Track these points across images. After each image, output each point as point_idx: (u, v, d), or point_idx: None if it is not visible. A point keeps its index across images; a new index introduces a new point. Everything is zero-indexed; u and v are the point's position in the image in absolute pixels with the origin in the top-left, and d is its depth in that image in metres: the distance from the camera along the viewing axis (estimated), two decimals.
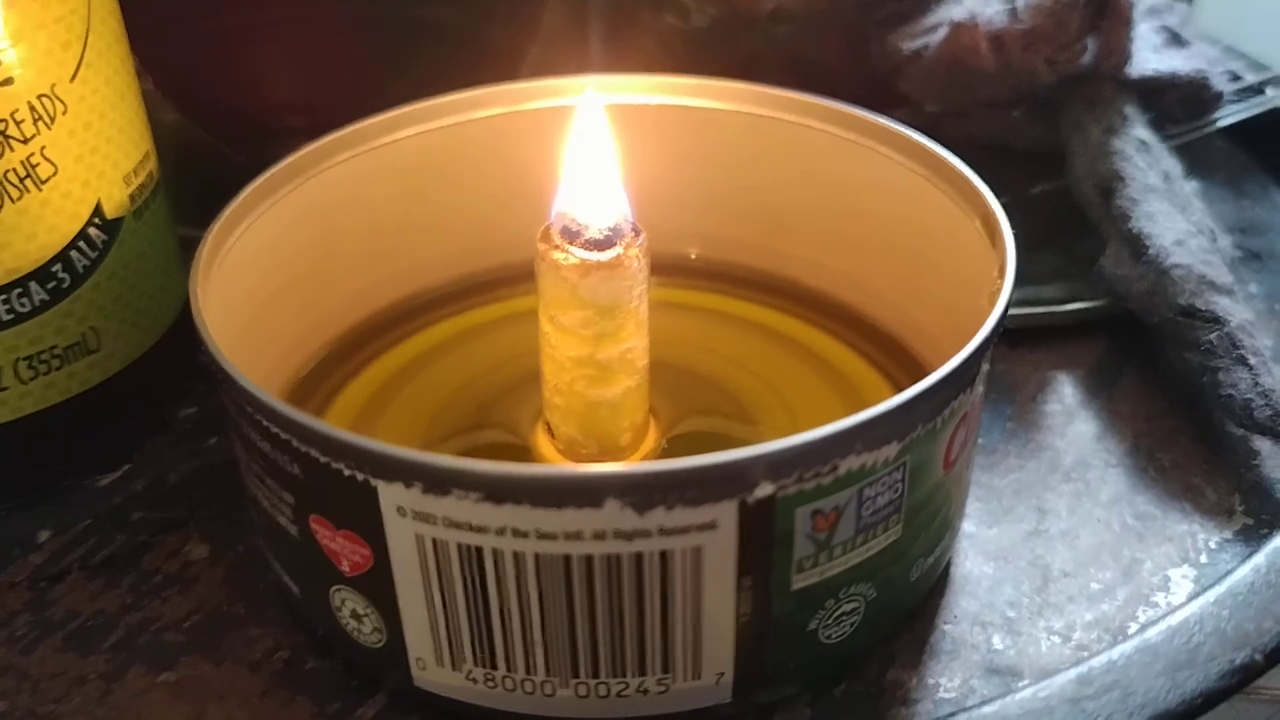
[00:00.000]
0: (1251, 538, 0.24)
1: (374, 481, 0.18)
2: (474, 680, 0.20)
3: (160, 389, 0.27)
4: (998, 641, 0.22)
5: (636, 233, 0.22)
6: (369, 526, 0.19)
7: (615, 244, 0.22)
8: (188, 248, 0.27)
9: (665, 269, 0.28)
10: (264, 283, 0.25)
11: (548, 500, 0.18)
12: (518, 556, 0.18)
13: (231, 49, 0.32)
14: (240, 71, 0.33)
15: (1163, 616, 0.21)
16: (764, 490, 0.18)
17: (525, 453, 0.25)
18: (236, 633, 0.23)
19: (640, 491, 0.18)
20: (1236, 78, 0.35)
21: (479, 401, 0.26)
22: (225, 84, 0.33)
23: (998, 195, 0.24)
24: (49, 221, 0.23)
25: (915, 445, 0.20)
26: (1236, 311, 0.26)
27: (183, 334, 0.27)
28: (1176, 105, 0.33)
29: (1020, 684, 0.21)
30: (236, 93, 0.33)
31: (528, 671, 0.20)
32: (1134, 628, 0.22)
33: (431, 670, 0.20)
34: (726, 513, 0.18)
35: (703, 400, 0.26)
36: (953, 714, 0.20)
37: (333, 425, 0.25)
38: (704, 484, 0.18)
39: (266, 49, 0.32)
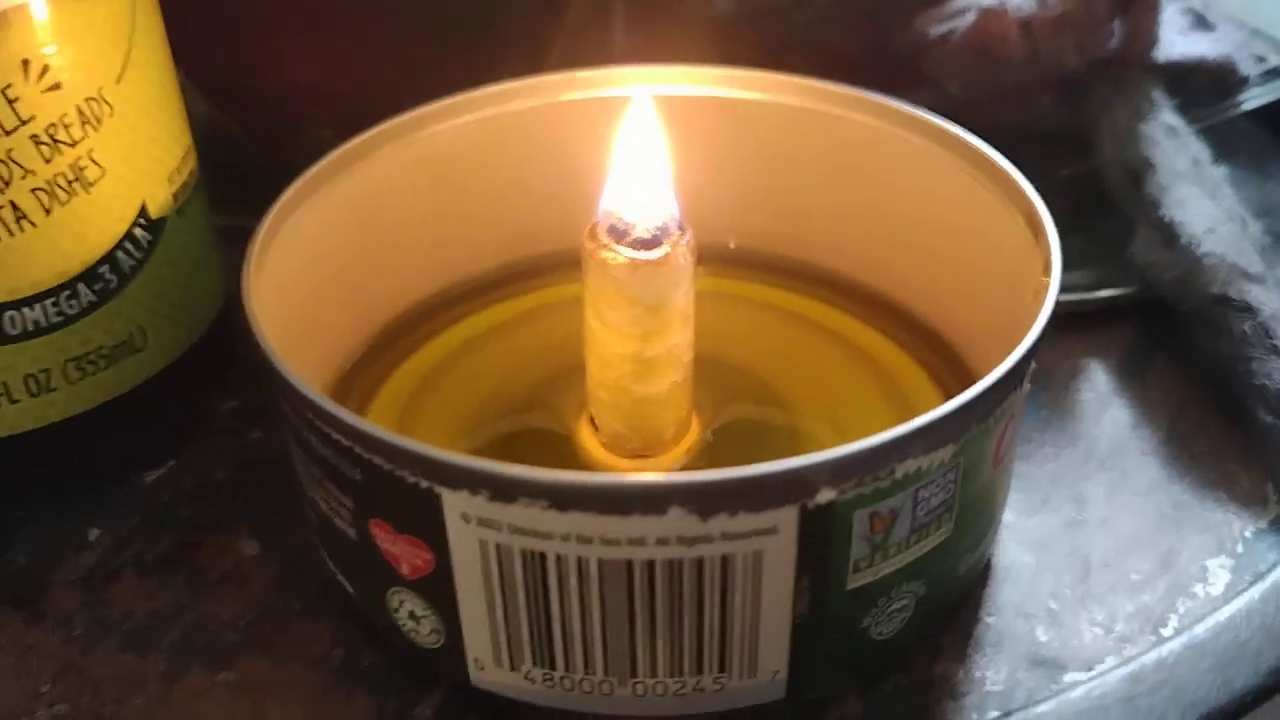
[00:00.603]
0: None
1: (438, 489, 0.19)
2: (532, 680, 0.21)
3: (203, 383, 0.28)
4: (1041, 633, 0.23)
5: (683, 231, 0.23)
6: (431, 532, 0.19)
7: (663, 242, 0.22)
8: (220, 236, 0.27)
9: (704, 258, 0.28)
10: (310, 277, 0.25)
11: (613, 508, 0.18)
12: (581, 562, 0.19)
13: (260, 38, 0.32)
14: (267, 61, 0.33)
15: (1207, 613, 0.22)
16: (825, 496, 0.18)
17: (569, 444, 0.25)
18: (292, 630, 0.23)
19: (705, 499, 0.18)
20: (1261, 59, 0.35)
21: (522, 390, 0.26)
22: (253, 74, 0.33)
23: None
24: (96, 223, 0.23)
25: (968, 445, 0.20)
26: (1269, 300, 0.27)
27: (223, 326, 0.27)
28: (1203, 89, 0.33)
29: (1065, 676, 0.22)
30: (264, 82, 0.33)
31: (586, 671, 0.20)
32: (1174, 619, 0.23)
33: (490, 670, 0.21)
34: (787, 517, 0.19)
35: (742, 390, 0.26)
36: (1007, 714, 0.20)
37: (381, 415, 0.26)
38: (767, 491, 0.18)
39: (294, 38, 0.32)
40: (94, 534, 0.25)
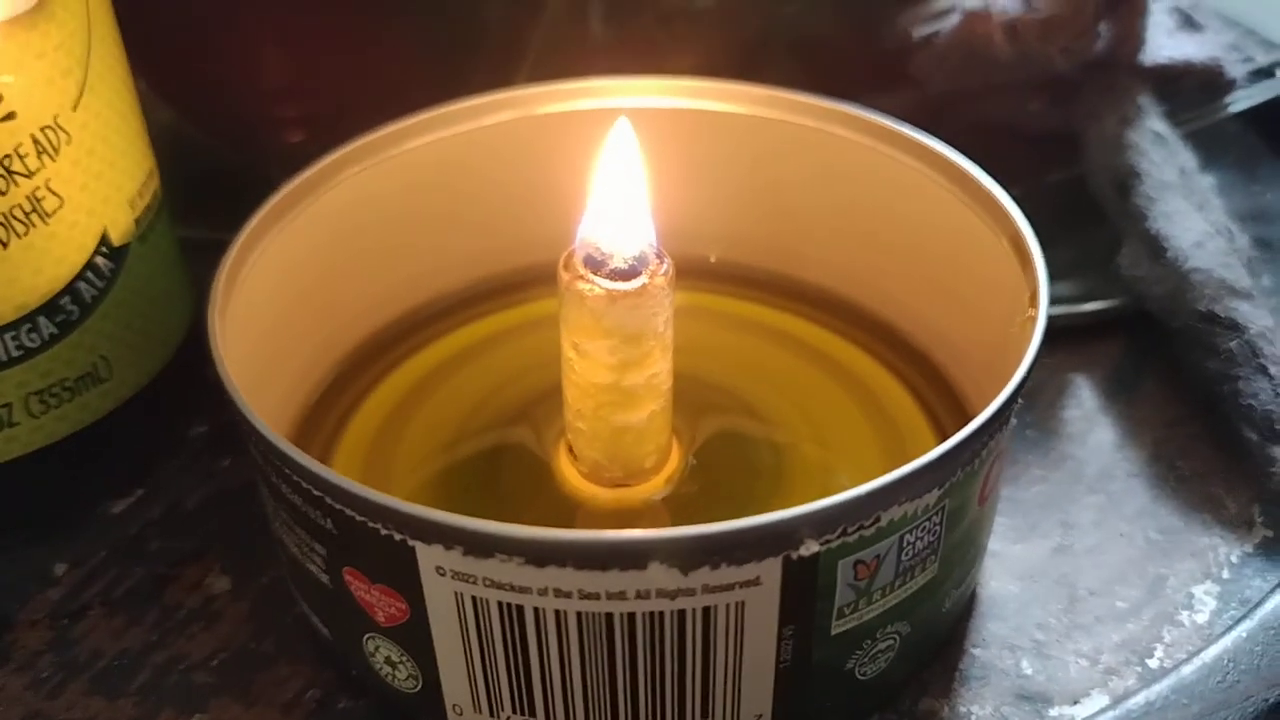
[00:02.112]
0: (1273, 552, 0.24)
1: (412, 542, 0.18)
2: None
3: (172, 409, 0.27)
4: (1027, 666, 0.22)
5: (661, 259, 0.22)
6: (406, 583, 0.19)
7: (641, 272, 0.22)
8: (185, 247, 0.27)
9: (683, 273, 0.28)
10: (280, 301, 0.25)
11: (591, 563, 0.18)
12: (560, 615, 0.18)
13: (220, 36, 0.31)
14: (229, 61, 0.32)
15: (1193, 643, 0.21)
16: (809, 548, 0.18)
17: (547, 471, 0.24)
18: (266, 671, 0.23)
19: (685, 554, 0.18)
20: (1249, 60, 0.34)
21: (501, 410, 0.26)
22: (215, 75, 0.32)
23: (1010, 185, 0.24)
24: (56, 254, 0.23)
25: (955, 489, 0.19)
26: (1257, 318, 0.26)
27: (191, 349, 0.27)
28: (1191, 92, 0.33)
29: (1050, 711, 0.22)
30: (228, 84, 0.32)
31: (568, 719, 0.20)
32: (1160, 649, 0.22)
33: (469, 716, 0.20)
34: (770, 569, 0.18)
35: (722, 407, 0.26)
36: None
37: (358, 437, 0.25)
38: (750, 544, 0.18)
39: (255, 35, 0.31)
40: (60, 568, 0.25)
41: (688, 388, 0.25)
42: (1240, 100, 0.33)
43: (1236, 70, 0.33)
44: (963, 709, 0.22)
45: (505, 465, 0.25)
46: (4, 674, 0.23)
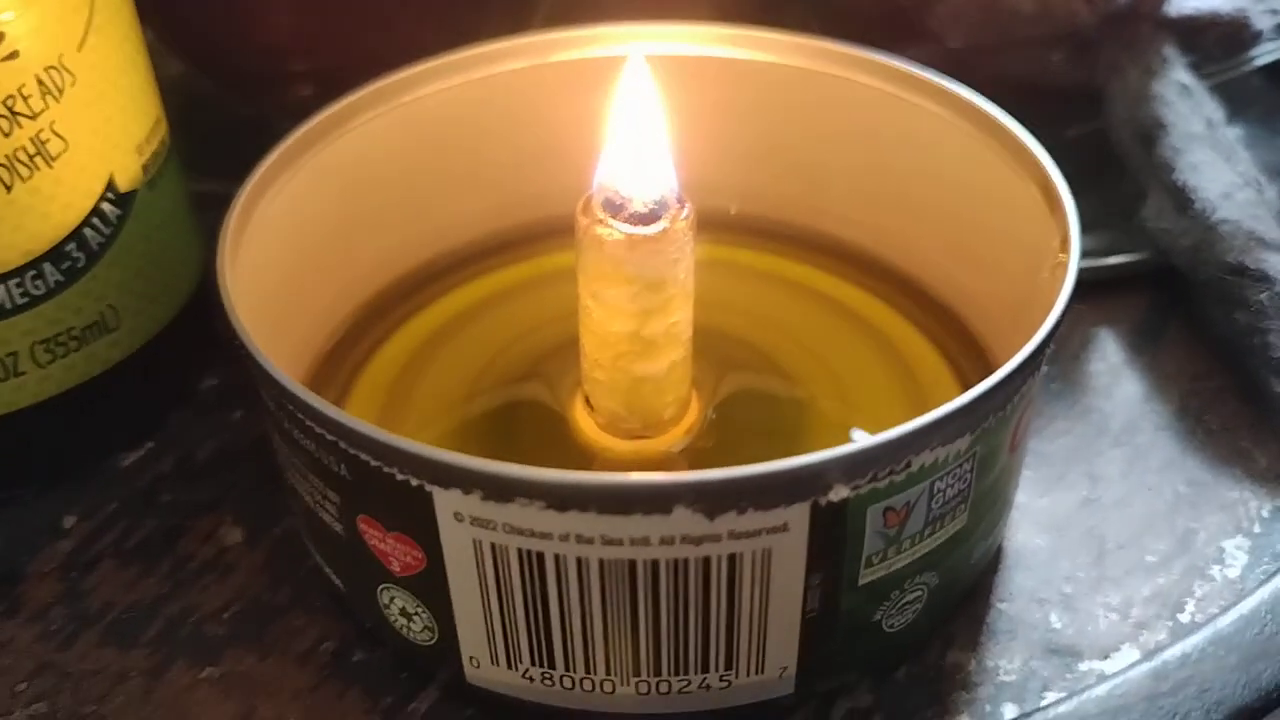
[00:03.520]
0: None
1: (429, 487, 0.18)
2: (530, 679, 0.20)
3: (182, 361, 0.27)
4: (1055, 619, 0.22)
5: (682, 204, 0.21)
6: (422, 530, 0.18)
7: (661, 217, 0.21)
8: (197, 202, 0.26)
9: (703, 225, 0.27)
10: (291, 252, 0.24)
11: (615, 508, 0.17)
12: (581, 562, 0.18)
13: None
14: (241, 12, 0.31)
15: (1224, 596, 0.21)
16: (839, 493, 0.17)
17: (564, 424, 0.24)
18: (280, 623, 0.22)
19: (712, 498, 0.17)
20: (1275, 13, 0.34)
21: (516, 364, 0.25)
22: (227, 26, 0.32)
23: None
24: (61, 199, 0.22)
25: (986, 435, 0.19)
26: None
27: (202, 302, 0.26)
28: (1215, 45, 0.32)
29: (1080, 665, 0.21)
30: (238, 35, 0.32)
31: (587, 671, 0.19)
32: (1191, 603, 0.22)
33: (486, 668, 0.20)
34: (798, 515, 0.18)
35: (743, 362, 0.25)
36: (1028, 714, 0.20)
37: (370, 391, 0.25)
38: (778, 489, 0.17)
39: None
40: (70, 521, 0.24)
41: (708, 341, 0.24)
42: (1266, 54, 0.33)
43: (1263, 22, 0.32)
44: (990, 663, 0.21)
45: (520, 418, 0.24)
46: (14, 626, 0.22)
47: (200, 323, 0.26)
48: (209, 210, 0.24)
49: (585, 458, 0.23)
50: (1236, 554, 0.23)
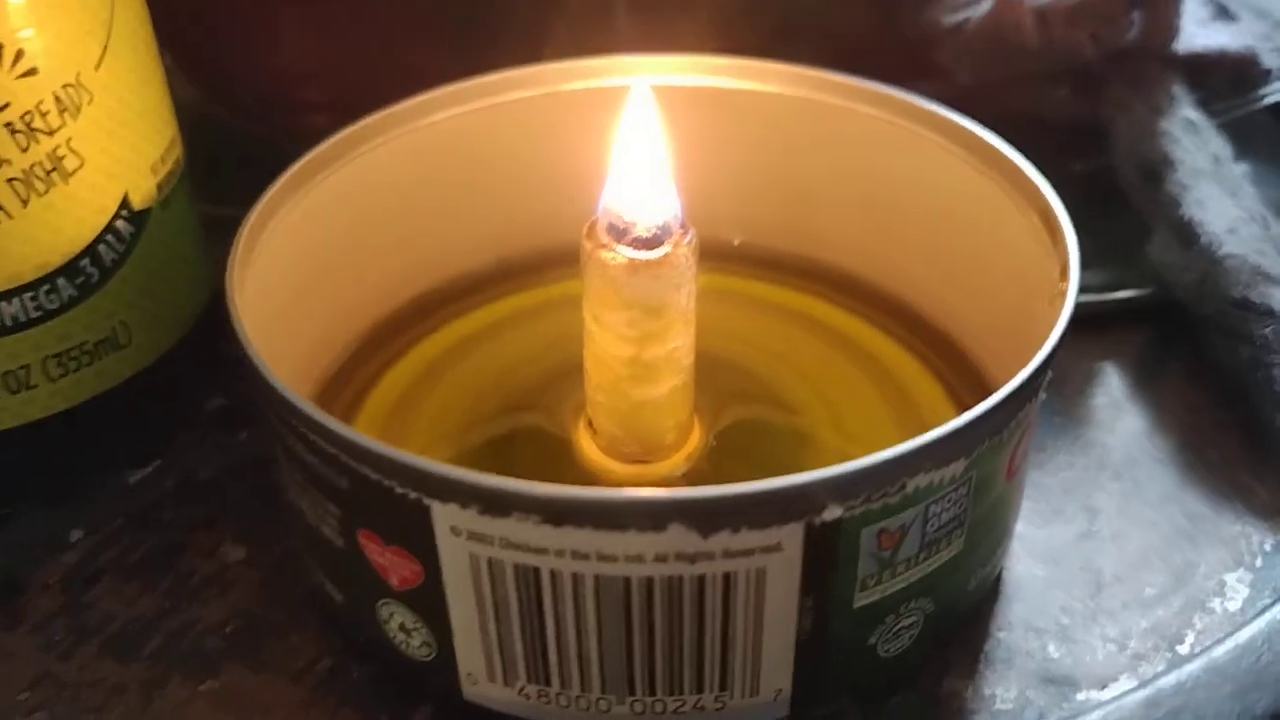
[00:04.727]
0: None
1: (427, 500, 0.18)
2: (526, 696, 0.20)
3: (189, 380, 0.27)
4: (1053, 649, 0.22)
5: (685, 230, 0.22)
6: (421, 544, 0.19)
7: (664, 242, 0.21)
8: (206, 224, 0.26)
9: (706, 254, 0.27)
10: (298, 274, 0.24)
11: (610, 524, 0.17)
12: (576, 578, 0.18)
13: (247, 19, 0.31)
14: (254, 42, 0.32)
15: (1225, 630, 0.21)
16: (832, 513, 0.18)
17: (566, 447, 0.24)
18: (277, 639, 0.22)
19: (706, 515, 0.17)
20: None
21: (520, 390, 0.25)
22: (240, 55, 0.32)
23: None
24: (76, 215, 0.23)
25: (981, 460, 0.19)
26: None
27: (210, 323, 0.26)
28: (1223, 82, 0.32)
29: (1077, 695, 0.21)
30: (253, 64, 0.32)
31: (582, 689, 0.19)
32: (1190, 636, 0.22)
33: (483, 685, 0.20)
34: (792, 535, 0.18)
35: (744, 391, 0.25)
36: None
37: (374, 414, 0.25)
38: (772, 507, 0.17)
39: (282, 17, 0.31)
40: (75, 535, 0.24)
41: (710, 369, 0.25)
42: (1274, 91, 0.33)
43: (1271, 61, 0.32)
44: (987, 691, 0.21)
45: (523, 441, 0.25)
46: (17, 636, 0.22)
47: (208, 343, 0.26)
48: (218, 232, 0.24)
49: (585, 480, 0.23)
50: (1238, 587, 0.23)
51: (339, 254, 0.26)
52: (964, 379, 0.25)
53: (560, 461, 0.24)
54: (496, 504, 0.17)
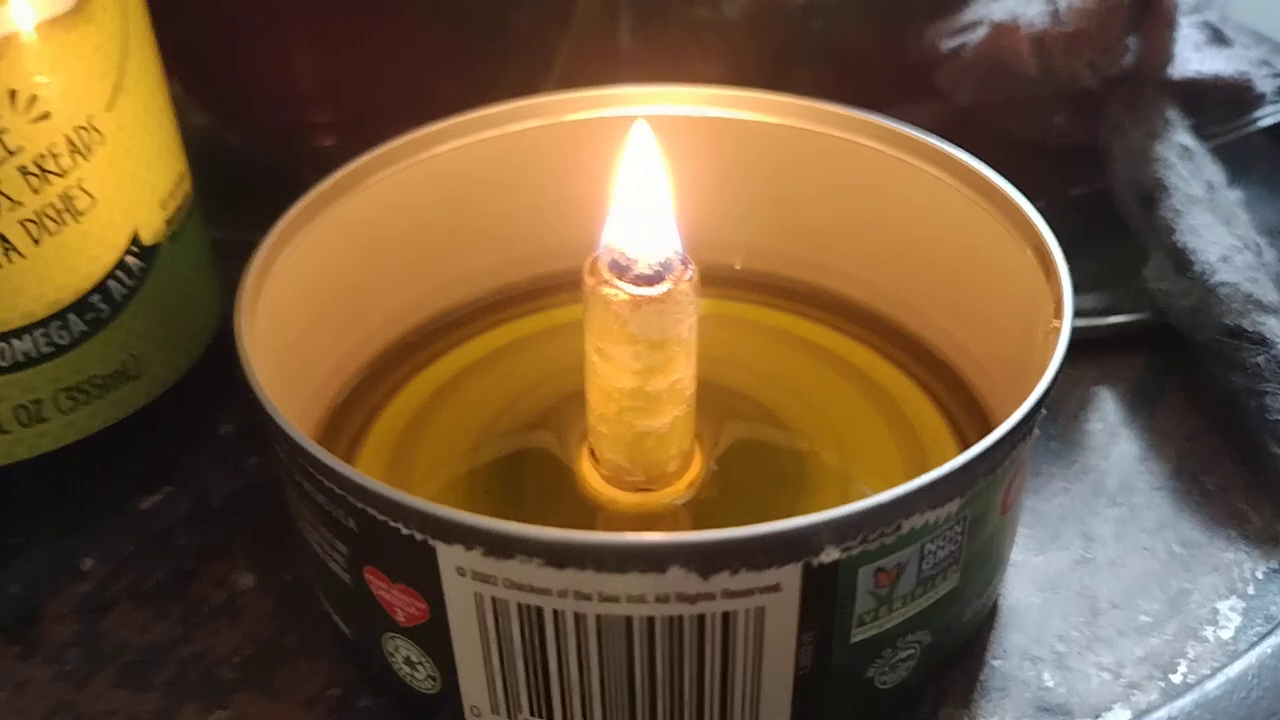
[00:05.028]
0: None
1: (433, 542, 0.18)
2: None
3: (201, 406, 0.27)
4: (1048, 678, 0.22)
5: (686, 265, 0.22)
6: (426, 583, 0.19)
7: (665, 278, 0.22)
8: (218, 249, 0.27)
9: (708, 280, 0.28)
10: (307, 305, 0.25)
11: (611, 565, 0.18)
12: (579, 617, 0.18)
13: (256, 43, 0.31)
14: (261, 66, 0.32)
15: (1217, 659, 0.21)
16: (830, 555, 0.18)
17: (569, 476, 0.24)
18: (288, 667, 0.23)
19: (705, 558, 0.18)
20: (1277, 74, 0.34)
21: (524, 416, 0.26)
22: (250, 81, 0.33)
23: (1033, 198, 0.24)
24: (88, 253, 0.23)
25: (976, 498, 0.19)
26: None
27: (221, 349, 0.27)
28: (1218, 106, 0.32)
29: None
30: (262, 88, 0.33)
31: None
32: (1183, 664, 0.22)
33: (487, 717, 0.20)
34: (790, 575, 0.18)
35: (745, 416, 0.26)
36: None
37: (381, 440, 0.25)
38: (770, 550, 0.18)
39: (286, 41, 0.32)
40: (88, 563, 0.25)
41: (711, 394, 0.25)
42: (1269, 115, 0.33)
43: (1265, 85, 0.33)
44: None
45: (527, 469, 0.25)
46: (32, 665, 0.23)
47: (220, 368, 0.27)
48: (229, 257, 0.25)
49: (590, 509, 0.24)
50: (1230, 615, 0.23)
51: (348, 283, 0.26)
52: (963, 404, 0.26)
53: (564, 489, 0.24)
54: (501, 546, 0.18)
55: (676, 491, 0.24)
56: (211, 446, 0.27)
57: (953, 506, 0.19)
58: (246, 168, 0.34)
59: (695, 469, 0.24)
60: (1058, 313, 0.22)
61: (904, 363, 0.27)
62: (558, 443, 0.25)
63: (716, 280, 0.28)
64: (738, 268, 0.29)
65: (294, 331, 0.24)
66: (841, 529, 0.18)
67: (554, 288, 0.28)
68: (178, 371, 0.26)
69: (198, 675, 0.23)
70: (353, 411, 0.26)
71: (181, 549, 0.25)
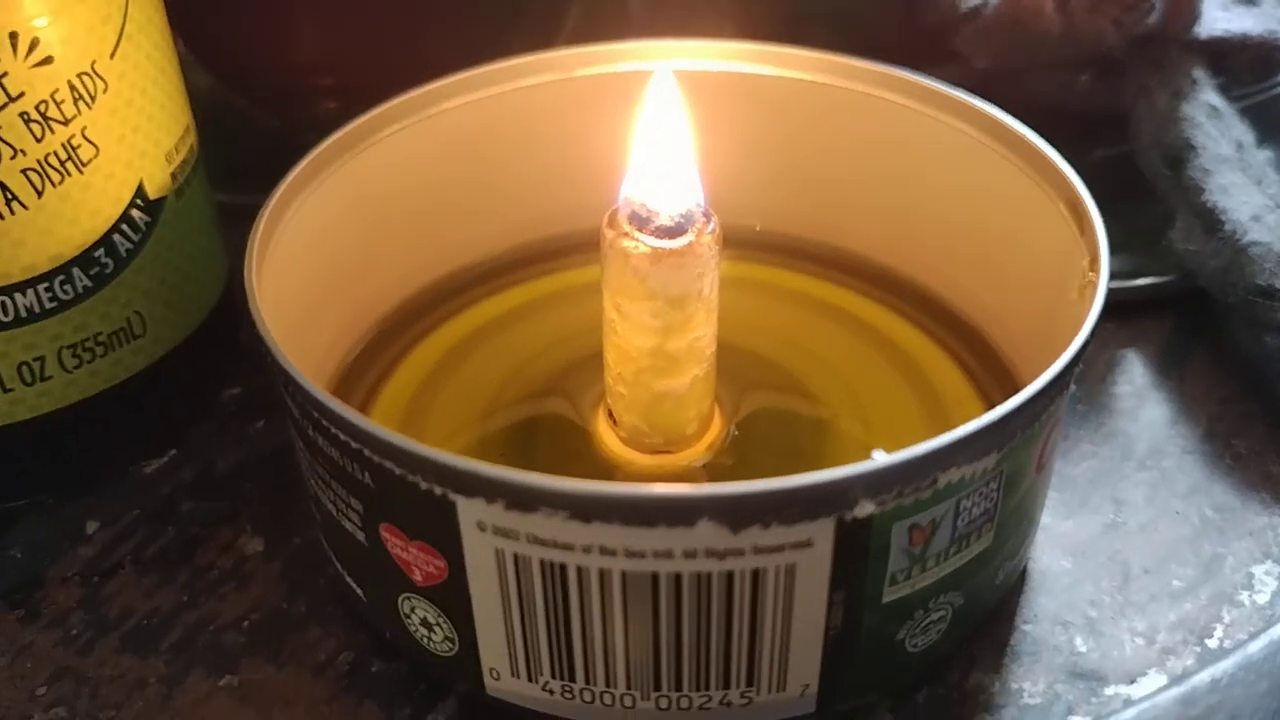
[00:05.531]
0: None
1: (452, 496, 0.18)
2: (550, 691, 0.20)
3: (205, 370, 0.27)
4: (1080, 643, 0.22)
5: (708, 218, 0.21)
6: (445, 539, 0.18)
7: (687, 230, 0.21)
8: (222, 214, 0.26)
9: (728, 242, 0.27)
10: (315, 263, 0.24)
11: (639, 520, 0.17)
12: (604, 574, 0.18)
13: (261, 5, 0.31)
14: (268, 28, 0.31)
15: (1253, 623, 0.21)
16: (864, 509, 0.17)
17: (586, 438, 0.24)
18: (298, 633, 0.22)
19: (737, 511, 0.17)
20: None
21: (539, 378, 0.25)
22: (254, 42, 0.32)
23: None
24: (91, 205, 0.22)
25: (1013, 453, 0.19)
26: None
27: (225, 312, 0.26)
28: (1245, 67, 0.32)
29: (1106, 689, 0.21)
30: (265, 50, 0.32)
31: (608, 684, 0.19)
32: (1219, 629, 0.22)
33: (505, 680, 0.20)
34: (823, 531, 0.17)
35: (765, 380, 0.25)
36: None
37: (392, 402, 0.25)
38: (803, 503, 0.17)
39: (295, 3, 0.31)
40: (92, 527, 0.24)
41: (731, 358, 0.24)
42: None
43: None
44: (1014, 685, 0.21)
45: (542, 431, 0.24)
46: (34, 630, 0.22)
47: (225, 331, 0.26)
48: (234, 222, 0.24)
49: (606, 471, 0.23)
50: (1266, 580, 0.23)
51: (356, 243, 0.25)
52: (987, 366, 0.25)
53: (581, 451, 0.24)
54: (524, 499, 0.17)
55: (695, 454, 0.23)
56: (216, 412, 0.27)
57: (989, 461, 0.18)
58: (251, 130, 0.33)
59: (715, 432, 0.24)
60: (1093, 266, 0.21)
61: (929, 327, 0.26)
62: (573, 404, 0.25)
63: (736, 242, 0.27)
64: (758, 229, 0.28)
65: (302, 292, 0.24)
66: (876, 482, 0.17)
67: (568, 249, 0.28)
68: (182, 332, 0.25)
69: (204, 641, 0.22)
70: (363, 374, 0.26)
71: (186, 514, 0.24)
